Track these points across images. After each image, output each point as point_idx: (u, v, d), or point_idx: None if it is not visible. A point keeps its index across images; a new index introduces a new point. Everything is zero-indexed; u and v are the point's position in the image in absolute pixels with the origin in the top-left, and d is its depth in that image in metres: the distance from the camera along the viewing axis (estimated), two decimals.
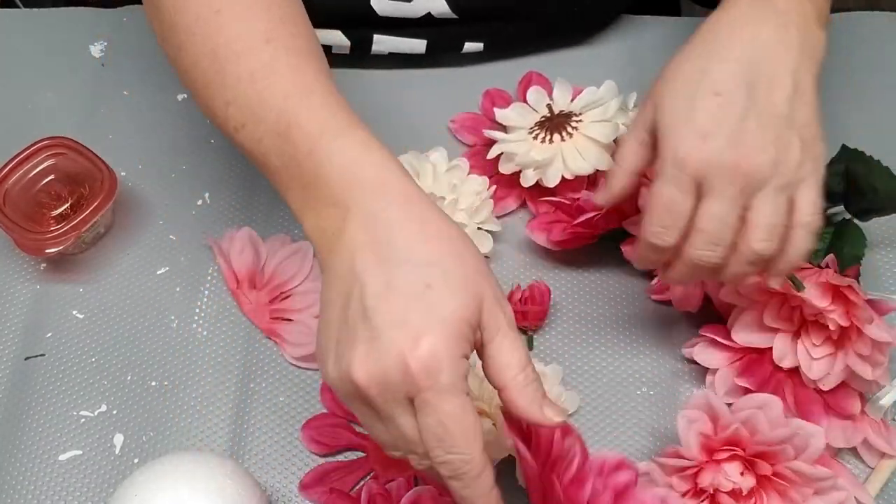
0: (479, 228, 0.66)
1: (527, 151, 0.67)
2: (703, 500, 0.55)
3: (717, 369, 0.61)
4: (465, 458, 0.43)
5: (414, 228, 0.45)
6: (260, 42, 0.52)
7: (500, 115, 0.70)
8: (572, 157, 0.67)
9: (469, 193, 0.66)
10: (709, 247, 0.51)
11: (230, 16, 0.53)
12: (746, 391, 0.59)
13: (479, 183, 0.67)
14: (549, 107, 0.70)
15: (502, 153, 0.68)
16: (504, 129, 0.70)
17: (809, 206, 0.51)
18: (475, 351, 0.45)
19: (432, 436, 0.43)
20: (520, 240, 0.69)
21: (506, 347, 0.45)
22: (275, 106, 0.50)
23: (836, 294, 0.56)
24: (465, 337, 0.43)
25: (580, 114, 0.69)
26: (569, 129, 0.68)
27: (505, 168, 0.68)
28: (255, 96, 0.50)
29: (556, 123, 0.68)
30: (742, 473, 0.55)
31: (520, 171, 0.68)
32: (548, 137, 0.68)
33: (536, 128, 0.69)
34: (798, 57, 0.53)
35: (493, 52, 0.77)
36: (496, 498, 0.45)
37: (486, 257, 0.67)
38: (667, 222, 0.51)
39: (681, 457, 0.54)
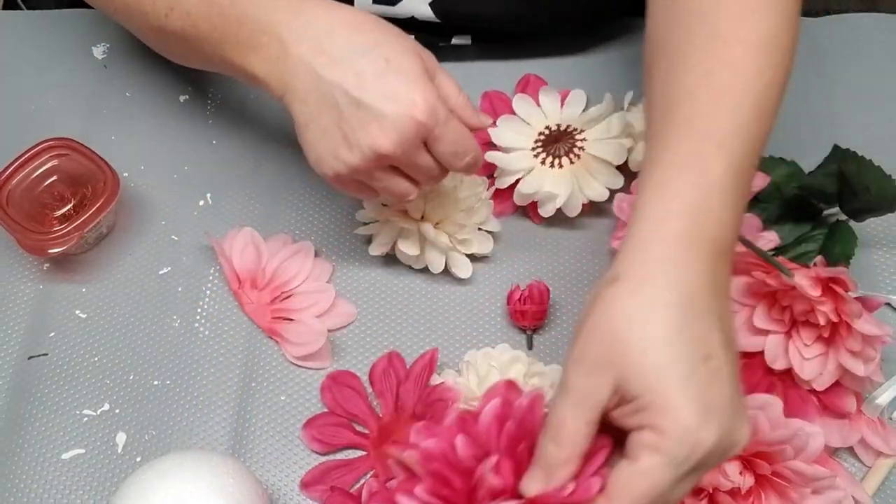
0: (479, 229, 0.66)
1: (540, 182, 0.67)
2: (701, 499, 0.55)
3: None
4: (476, 152, 0.56)
5: (344, 22, 0.54)
6: None
7: (496, 136, 0.69)
8: (587, 182, 0.67)
9: (467, 193, 0.66)
10: None
11: None
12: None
13: (479, 183, 0.67)
14: (549, 127, 0.69)
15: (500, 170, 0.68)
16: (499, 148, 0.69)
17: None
18: None
19: (450, 154, 0.55)
20: (519, 240, 0.69)
21: (445, 81, 0.56)
22: None
23: (826, 288, 0.57)
24: (429, 80, 0.54)
25: (582, 131, 0.69)
26: (575, 150, 0.68)
27: (502, 184, 0.68)
28: None
29: (559, 143, 0.68)
30: (741, 473, 0.55)
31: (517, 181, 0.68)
32: (556, 161, 0.68)
33: (539, 147, 0.68)
34: (710, 259, 0.46)
35: (485, 51, 0.77)
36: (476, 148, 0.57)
37: (486, 257, 0.67)
38: None
39: None
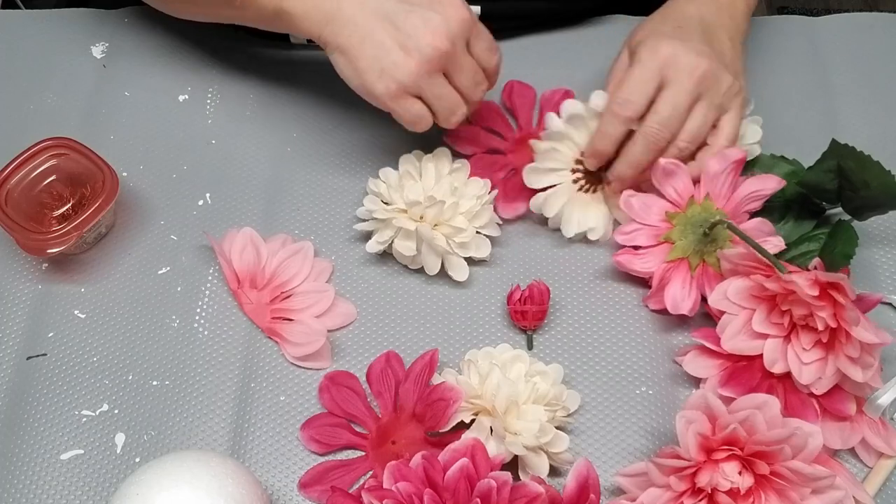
0: (477, 232, 0.66)
1: (570, 208, 0.68)
2: (700, 500, 0.55)
3: (707, 379, 0.61)
4: (498, 48, 0.64)
5: None
6: None
7: (540, 148, 0.67)
8: (616, 209, 0.68)
9: (470, 197, 0.66)
10: (659, 127, 0.63)
11: None
12: (730, 374, 0.60)
13: (481, 186, 0.67)
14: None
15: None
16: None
17: (728, 135, 0.65)
18: None
19: (487, 50, 0.63)
20: (519, 243, 0.69)
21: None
22: None
23: (825, 293, 0.56)
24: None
25: None
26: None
27: (534, 183, 0.68)
28: None
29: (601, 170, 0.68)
30: (740, 473, 0.55)
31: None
32: (591, 188, 0.68)
33: (580, 172, 0.68)
34: (730, 24, 0.68)
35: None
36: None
37: (484, 261, 0.67)
38: (635, 96, 0.63)
39: (678, 457, 0.54)
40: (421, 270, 0.67)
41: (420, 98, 0.62)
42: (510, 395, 0.57)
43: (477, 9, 0.64)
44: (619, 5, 0.80)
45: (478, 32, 0.62)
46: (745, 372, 0.60)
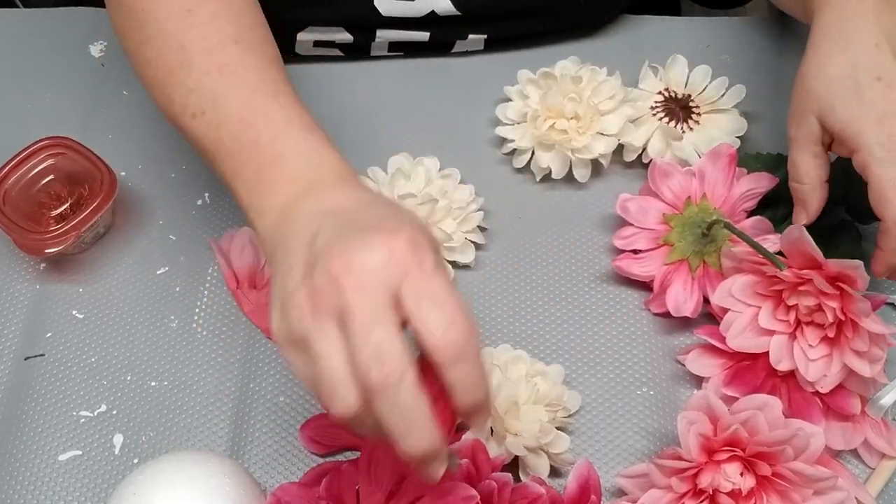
0: (465, 239, 0.66)
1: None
2: (702, 501, 0.55)
3: (710, 378, 0.61)
4: (466, 321, 0.42)
5: (371, 206, 0.47)
6: (230, 42, 0.55)
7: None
8: (705, 145, 0.69)
9: (459, 202, 0.66)
10: None
11: (201, 16, 0.55)
12: (734, 373, 0.60)
13: (468, 193, 0.67)
14: (670, 91, 0.72)
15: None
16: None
17: None
18: None
19: (423, 318, 0.41)
20: (519, 242, 0.69)
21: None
22: (241, 97, 0.53)
23: (833, 283, 0.56)
24: (440, 262, 0.44)
25: (693, 98, 0.72)
26: (693, 117, 0.71)
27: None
28: (222, 87, 0.53)
29: (678, 110, 0.71)
30: (742, 474, 0.54)
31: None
32: (678, 126, 0.70)
33: (660, 110, 0.71)
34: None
35: (495, 47, 0.77)
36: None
37: (468, 266, 0.67)
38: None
39: (680, 458, 0.54)
40: None
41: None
42: (510, 395, 0.57)
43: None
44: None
45: (419, 285, 0.41)
46: (749, 371, 0.60)
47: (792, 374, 0.59)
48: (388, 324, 0.41)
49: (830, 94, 0.56)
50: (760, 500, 0.55)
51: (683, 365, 0.63)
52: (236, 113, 0.52)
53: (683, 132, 0.70)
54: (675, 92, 0.72)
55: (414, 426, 0.41)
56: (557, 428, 0.58)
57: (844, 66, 0.56)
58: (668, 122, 0.70)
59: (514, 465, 0.58)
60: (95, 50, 0.78)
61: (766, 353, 0.59)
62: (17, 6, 0.93)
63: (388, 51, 0.76)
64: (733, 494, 0.54)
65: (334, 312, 0.41)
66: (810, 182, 0.58)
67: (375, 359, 0.40)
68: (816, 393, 0.58)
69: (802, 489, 0.54)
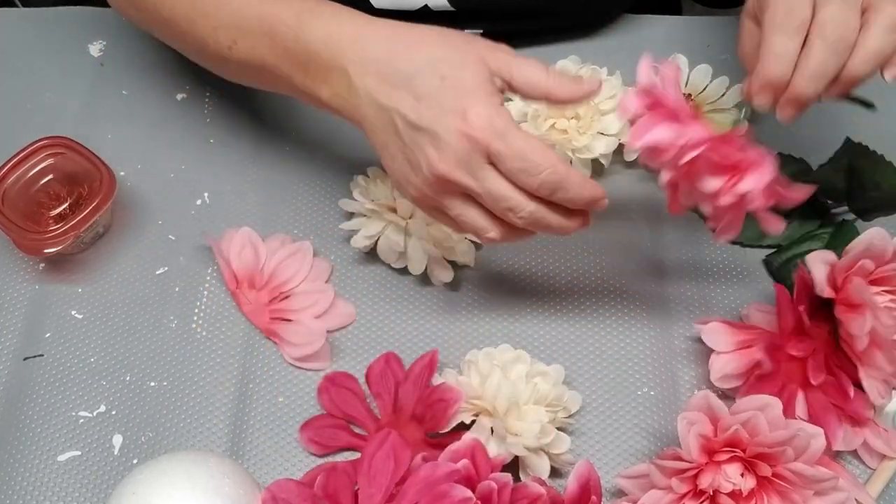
0: (465, 238, 0.66)
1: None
2: (702, 501, 0.55)
3: (720, 352, 0.61)
4: (552, 169, 0.52)
5: (401, 47, 0.54)
6: None
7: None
8: None
9: None
10: (837, 24, 0.52)
11: None
12: (752, 384, 0.59)
13: None
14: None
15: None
16: None
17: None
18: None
19: (520, 171, 0.51)
20: (505, 249, 0.68)
21: (524, 69, 0.53)
22: (252, 12, 0.58)
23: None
24: (493, 91, 0.53)
25: (694, 98, 0.71)
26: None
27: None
28: (237, 12, 0.58)
29: None
30: (742, 475, 0.54)
31: None
32: None
33: None
34: None
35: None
36: (592, 183, 0.54)
37: (468, 266, 0.67)
38: (797, 4, 0.52)
39: (680, 459, 0.54)
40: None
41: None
42: (511, 395, 0.57)
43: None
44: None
45: (500, 149, 0.51)
46: (765, 381, 0.59)
47: (808, 381, 0.59)
48: (502, 184, 0.52)
49: None
50: (761, 501, 0.55)
51: (685, 364, 0.63)
52: (259, 29, 0.58)
53: None
54: None
55: (562, 223, 0.54)
56: (558, 428, 0.58)
57: None
58: None
59: (514, 465, 0.58)
60: (94, 49, 0.78)
61: (784, 358, 0.59)
62: (16, 6, 0.93)
63: None
64: (734, 495, 0.54)
65: (456, 193, 0.53)
66: (748, 50, 0.57)
67: (513, 213, 0.53)
68: (832, 396, 0.58)
69: (803, 490, 0.54)
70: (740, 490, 0.54)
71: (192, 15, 0.60)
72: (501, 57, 0.53)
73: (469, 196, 0.54)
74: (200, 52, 0.63)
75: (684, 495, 0.55)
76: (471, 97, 0.51)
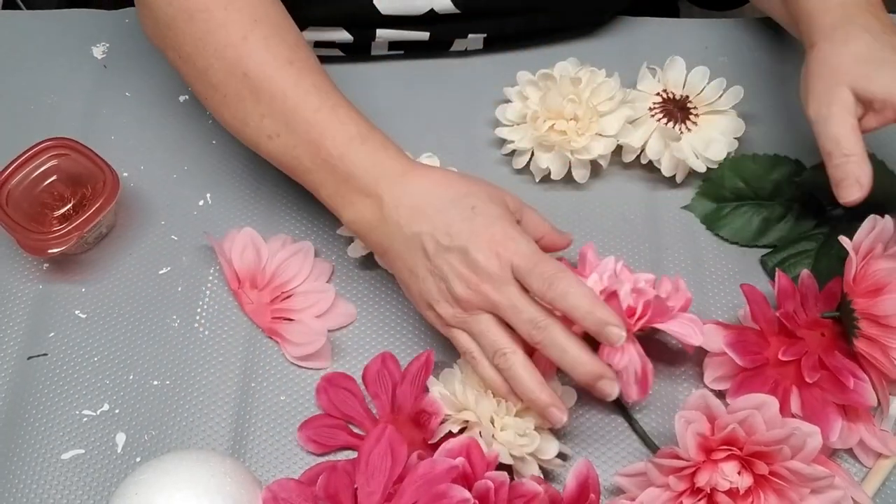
0: None
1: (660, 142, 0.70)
2: (700, 500, 0.55)
3: (714, 354, 0.61)
4: (585, 289, 0.54)
5: (438, 182, 0.58)
6: (285, 65, 0.61)
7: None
8: (703, 146, 0.70)
9: None
10: None
11: (255, 43, 0.61)
12: (740, 383, 0.59)
13: None
14: (668, 92, 0.72)
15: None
16: None
17: None
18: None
19: (548, 287, 0.54)
20: None
21: (530, 215, 0.61)
22: (307, 118, 0.60)
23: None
24: (514, 221, 0.58)
25: (691, 100, 0.72)
26: (691, 118, 0.71)
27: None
28: (290, 111, 0.60)
29: (676, 111, 0.71)
30: (739, 473, 0.55)
31: None
32: (676, 127, 0.70)
33: (658, 111, 0.71)
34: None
35: (495, 47, 0.77)
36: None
37: None
38: None
39: (677, 457, 0.55)
40: None
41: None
42: (490, 408, 0.57)
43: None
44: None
45: (532, 268, 0.55)
46: (756, 378, 0.60)
47: (802, 379, 0.59)
48: (525, 299, 0.55)
49: (862, 65, 0.58)
50: (758, 499, 0.55)
51: (683, 363, 0.63)
52: (306, 135, 0.60)
53: (681, 133, 0.70)
54: (673, 93, 0.72)
55: (578, 356, 0.55)
56: (551, 428, 0.58)
57: (864, 44, 0.59)
58: (666, 123, 0.70)
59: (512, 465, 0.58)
60: (98, 51, 0.78)
61: (773, 360, 0.60)
62: (20, 8, 0.93)
63: (388, 50, 0.77)
64: (731, 493, 0.54)
65: (484, 307, 0.56)
66: (858, 152, 0.58)
67: (533, 325, 0.55)
68: (828, 391, 0.59)
69: (800, 488, 0.54)
70: (737, 488, 0.54)
71: (244, 95, 0.61)
72: (516, 199, 0.60)
73: (491, 314, 0.56)
74: (238, 128, 0.63)
75: (682, 493, 0.55)
76: (499, 223, 0.56)
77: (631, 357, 0.57)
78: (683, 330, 0.59)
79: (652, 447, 0.60)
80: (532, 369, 0.56)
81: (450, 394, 0.59)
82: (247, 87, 0.61)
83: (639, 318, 0.59)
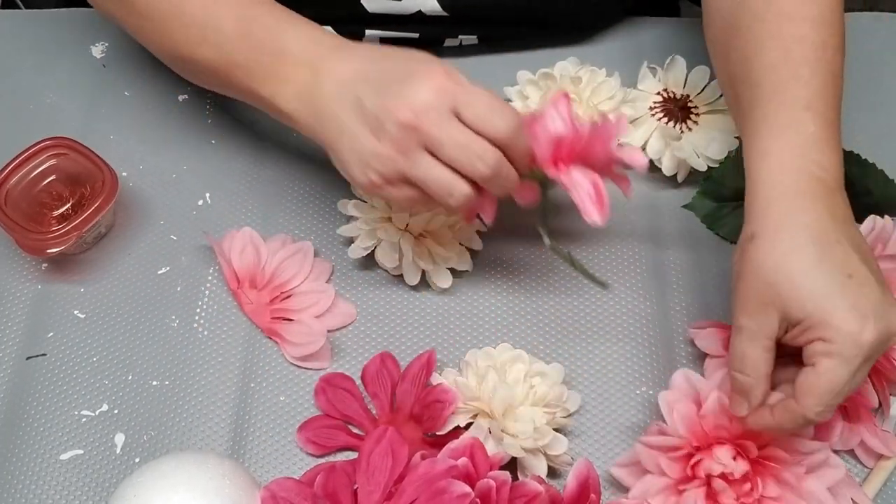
0: (461, 246, 0.66)
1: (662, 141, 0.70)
2: (698, 488, 0.55)
3: (715, 357, 0.61)
4: (512, 120, 0.53)
5: (375, 48, 0.58)
6: None
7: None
8: (703, 145, 0.69)
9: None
10: (828, 410, 0.52)
11: None
12: None
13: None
14: (668, 92, 0.72)
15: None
16: None
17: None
18: None
19: (484, 117, 0.52)
20: (505, 250, 0.69)
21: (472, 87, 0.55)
22: (232, 14, 0.59)
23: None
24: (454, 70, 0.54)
25: (692, 99, 0.72)
26: (692, 117, 0.71)
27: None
28: (213, 13, 0.60)
29: (677, 110, 0.71)
30: (734, 458, 0.54)
31: None
32: (677, 127, 0.70)
33: (659, 111, 0.71)
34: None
35: (489, 47, 0.77)
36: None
37: (466, 271, 0.67)
38: (835, 403, 0.51)
39: (664, 434, 0.55)
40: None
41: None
42: (507, 397, 0.57)
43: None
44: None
45: (468, 99, 0.53)
46: None
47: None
48: (468, 133, 0.52)
49: (799, 290, 0.51)
50: (755, 485, 0.55)
51: (684, 363, 0.63)
52: (233, 30, 0.59)
53: (682, 132, 0.70)
54: (673, 92, 0.72)
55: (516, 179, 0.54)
56: (557, 429, 0.58)
57: (809, 261, 0.51)
58: (666, 123, 0.70)
59: (512, 464, 0.58)
60: (97, 51, 0.78)
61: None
62: (18, 7, 0.93)
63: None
64: (727, 479, 0.54)
65: (421, 147, 0.52)
66: (756, 376, 0.53)
67: (478, 157, 0.52)
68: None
69: (794, 468, 0.54)
70: (732, 473, 0.54)
71: (168, 12, 0.61)
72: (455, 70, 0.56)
73: (431, 155, 0.53)
74: (163, 47, 0.63)
75: (680, 481, 0.55)
76: (435, 63, 0.54)
77: (576, 178, 0.55)
78: (632, 155, 0.56)
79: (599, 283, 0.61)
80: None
81: (465, 381, 0.59)
82: (171, 4, 0.61)
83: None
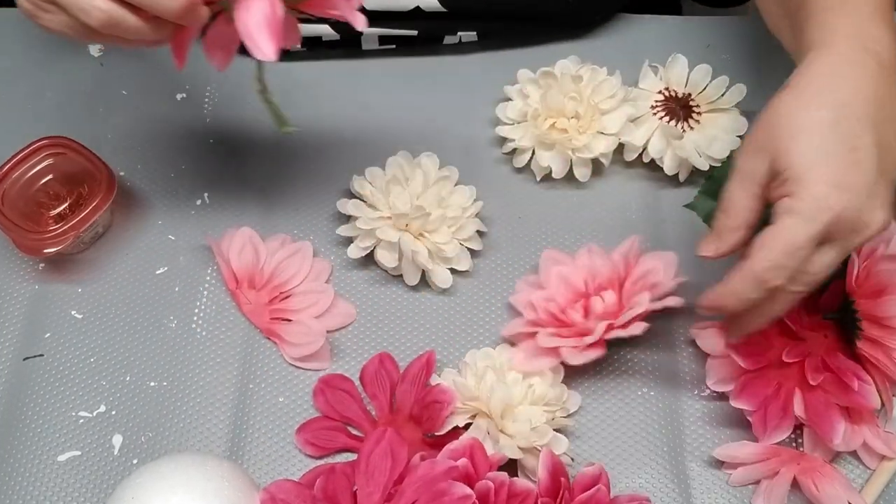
0: (461, 245, 0.66)
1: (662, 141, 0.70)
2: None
3: (715, 356, 0.61)
4: None
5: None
6: None
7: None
8: (705, 144, 0.69)
9: (455, 207, 0.66)
10: (806, 288, 0.52)
11: None
12: (743, 385, 0.59)
13: (467, 197, 0.66)
14: (670, 90, 0.72)
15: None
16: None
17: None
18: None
19: None
20: (506, 249, 0.68)
21: None
22: None
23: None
24: None
25: (694, 98, 0.71)
26: (694, 116, 0.70)
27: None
28: None
29: (679, 109, 0.71)
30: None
31: None
32: (679, 125, 0.70)
33: (661, 109, 0.70)
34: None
35: (489, 45, 0.77)
36: None
37: (465, 271, 0.67)
38: (791, 262, 0.50)
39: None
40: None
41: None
42: (505, 397, 0.57)
43: None
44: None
45: None
46: (760, 380, 0.59)
47: (805, 380, 0.59)
48: None
49: (791, 141, 0.51)
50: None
51: (685, 364, 0.63)
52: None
53: (684, 131, 0.70)
54: (675, 91, 0.72)
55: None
56: (556, 430, 0.58)
57: (818, 122, 0.51)
58: (668, 122, 0.70)
59: (512, 464, 0.58)
60: (94, 49, 0.78)
61: (775, 361, 0.59)
62: (16, 6, 0.93)
63: (380, 44, 0.76)
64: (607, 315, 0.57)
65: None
66: (735, 221, 0.53)
67: None
68: (832, 393, 0.58)
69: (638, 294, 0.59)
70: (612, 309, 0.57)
71: None
72: None
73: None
74: None
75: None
76: None
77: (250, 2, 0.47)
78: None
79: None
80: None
81: (464, 381, 0.59)
82: None
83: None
